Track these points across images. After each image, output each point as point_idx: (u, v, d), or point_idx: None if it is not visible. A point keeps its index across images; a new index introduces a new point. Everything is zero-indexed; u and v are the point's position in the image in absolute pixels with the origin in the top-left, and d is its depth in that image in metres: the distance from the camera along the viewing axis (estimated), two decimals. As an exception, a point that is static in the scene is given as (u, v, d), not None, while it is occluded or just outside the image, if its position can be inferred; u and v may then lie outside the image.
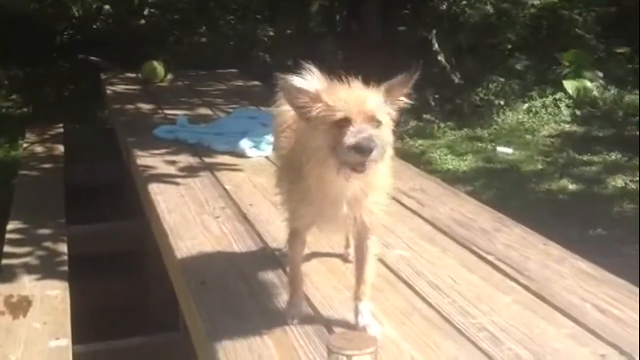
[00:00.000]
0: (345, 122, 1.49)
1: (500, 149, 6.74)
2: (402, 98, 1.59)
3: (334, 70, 1.67)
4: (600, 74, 8.08)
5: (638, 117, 7.34)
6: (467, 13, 8.40)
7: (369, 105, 1.51)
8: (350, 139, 1.47)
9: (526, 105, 7.86)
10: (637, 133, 6.91)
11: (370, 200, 1.64)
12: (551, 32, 8.62)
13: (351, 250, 2.00)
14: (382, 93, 1.56)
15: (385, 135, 1.53)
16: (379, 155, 1.50)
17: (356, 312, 1.72)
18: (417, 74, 1.57)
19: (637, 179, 5.68)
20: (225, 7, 8.83)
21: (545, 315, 1.83)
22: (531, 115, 7.73)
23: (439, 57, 7.91)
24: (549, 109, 7.78)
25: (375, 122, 1.51)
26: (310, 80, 1.62)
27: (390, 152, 1.61)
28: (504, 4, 8.39)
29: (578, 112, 7.72)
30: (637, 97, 7.81)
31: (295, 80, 1.63)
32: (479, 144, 6.95)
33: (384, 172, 1.65)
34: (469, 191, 5.08)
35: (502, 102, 7.79)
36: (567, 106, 7.80)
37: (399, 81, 1.58)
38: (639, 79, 7.93)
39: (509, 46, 8.45)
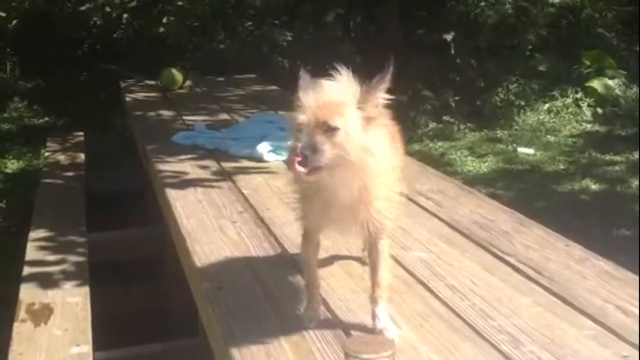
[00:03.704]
0: (300, 126, 1.53)
1: (521, 149, 6.68)
2: (383, 95, 1.58)
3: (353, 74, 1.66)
4: (623, 72, 8.00)
5: (638, 115, 7.24)
6: (486, 14, 8.36)
7: (322, 111, 1.52)
8: (292, 143, 1.53)
9: (547, 105, 7.79)
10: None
11: (375, 208, 1.63)
12: (571, 31, 8.56)
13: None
14: (359, 95, 1.56)
15: (342, 140, 1.52)
16: (325, 160, 1.50)
17: (373, 316, 1.70)
18: (391, 69, 1.57)
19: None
20: (243, 13, 8.87)
21: (567, 317, 1.79)
22: (552, 115, 7.66)
23: (458, 59, 7.88)
24: (570, 109, 7.71)
25: (325, 126, 1.51)
26: (341, 82, 1.60)
27: (380, 158, 1.58)
28: (523, 3, 8.34)
29: (600, 111, 7.63)
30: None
31: (306, 81, 1.62)
32: (500, 145, 6.90)
33: (386, 182, 1.63)
34: (490, 193, 5.03)
35: (522, 103, 7.74)
36: (589, 106, 7.72)
37: (377, 80, 1.57)
38: (639, 77, 7.84)
39: (529, 46, 8.39)
